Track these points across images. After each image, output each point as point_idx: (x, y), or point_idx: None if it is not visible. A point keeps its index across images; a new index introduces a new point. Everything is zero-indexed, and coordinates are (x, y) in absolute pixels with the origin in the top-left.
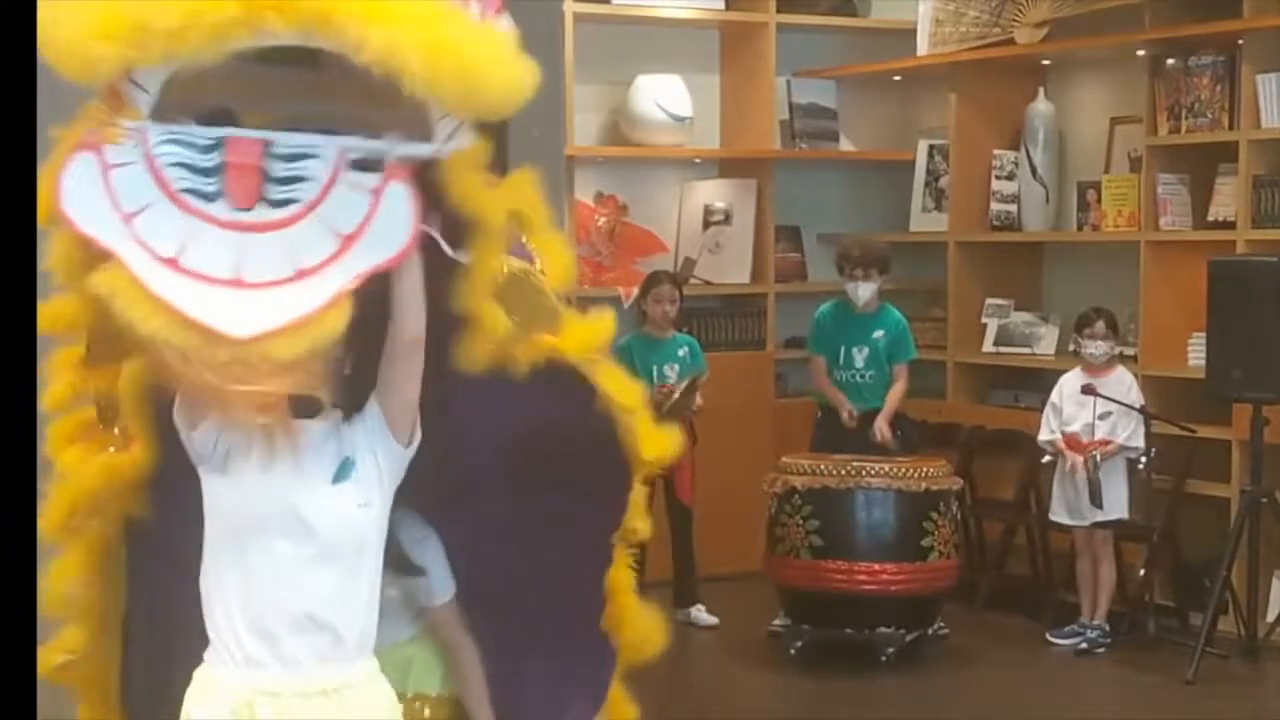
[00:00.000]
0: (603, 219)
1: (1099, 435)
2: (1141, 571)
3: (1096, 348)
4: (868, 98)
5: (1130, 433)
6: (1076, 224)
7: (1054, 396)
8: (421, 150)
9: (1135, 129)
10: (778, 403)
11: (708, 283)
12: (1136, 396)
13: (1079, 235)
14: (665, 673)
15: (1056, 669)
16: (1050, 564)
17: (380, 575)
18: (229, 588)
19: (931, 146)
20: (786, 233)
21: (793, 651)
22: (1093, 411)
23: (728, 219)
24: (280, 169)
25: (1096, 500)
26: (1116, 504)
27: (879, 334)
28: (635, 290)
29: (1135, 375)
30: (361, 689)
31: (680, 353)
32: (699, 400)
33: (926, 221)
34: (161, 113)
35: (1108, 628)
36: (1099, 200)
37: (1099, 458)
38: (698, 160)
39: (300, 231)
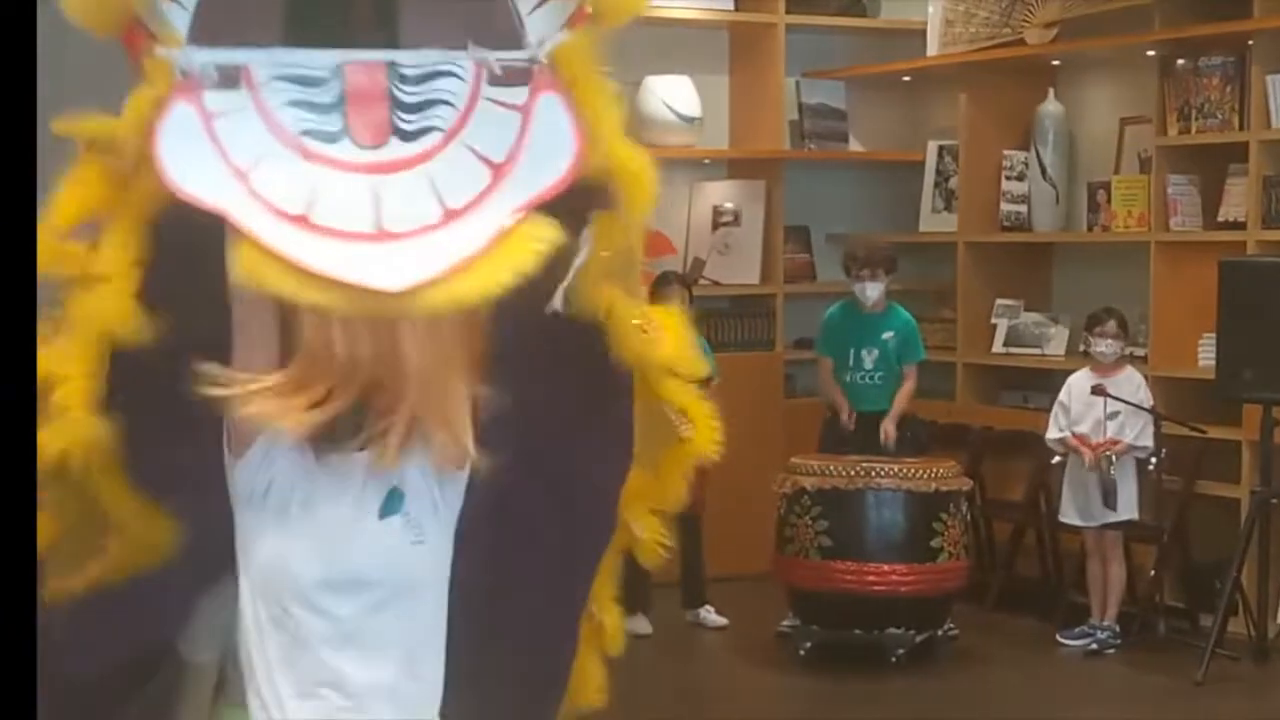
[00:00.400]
0: None
1: (1108, 435)
2: (1151, 572)
3: (1107, 346)
4: (877, 98)
5: (1139, 432)
6: (1086, 225)
7: (1062, 395)
8: (570, 42)
9: (1145, 129)
10: (787, 403)
11: (716, 283)
12: (1146, 396)
13: (1089, 236)
14: (673, 674)
15: (1066, 670)
16: (1060, 565)
17: (444, 620)
18: (270, 644)
19: (941, 147)
20: (795, 233)
21: (802, 652)
22: (1102, 411)
23: (737, 220)
24: (410, 94)
25: (1111, 502)
26: (1126, 505)
27: (888, 335)
28: (644, 291)
29: (1145, 376)
30: None
31: None
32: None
33: (936, 222)
34: (202, 34)
35: (1118, 629)
36: (1109, 201)
37: (1113, 458)
38: (707, 161)
39: (443, 165)
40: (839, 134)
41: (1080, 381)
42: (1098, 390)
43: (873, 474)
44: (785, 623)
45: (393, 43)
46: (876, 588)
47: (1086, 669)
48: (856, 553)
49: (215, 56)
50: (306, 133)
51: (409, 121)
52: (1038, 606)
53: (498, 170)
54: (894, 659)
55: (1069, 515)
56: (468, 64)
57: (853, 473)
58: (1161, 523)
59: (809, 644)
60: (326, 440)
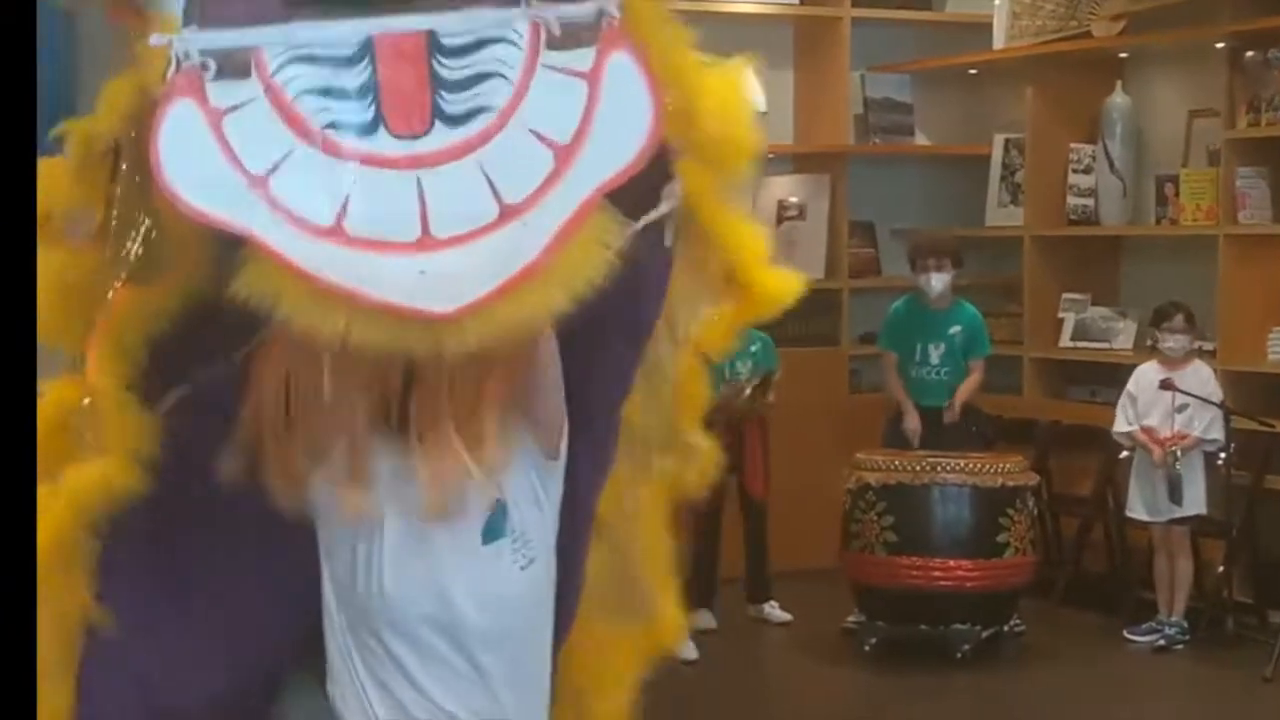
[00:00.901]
0: None
1: (1176, 429)
2: (1220, 568)
3: (1175, 341)
4: (943, 92)
5: (1207, 426)
6: (1154, 218)
7: (1130, 386)
8: None
9: (1213, 122)
10: (851, 399)
11: None
12: (1214, 390)
13: (1157, 229)
14: (738, 669)
15: (1133, 666)
16: (1127, 560)
17: (549, 640)
18: (372, 696)
19: (1007, 140)
20: (860, 228)
21: (867, 648)
22: (1170, 404)
23: (801, 214)
24: (455, 68)
25: (1176, 497)
26: (1195, 500)
27: (955, 329)
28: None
29: (1214, 370)
30: None
31: (753, 348)
32: (771, 397)
33: (1002, 216)
34: (203, 12)
35: (1185, 625)
36: (1177, 194)
37: (1179, 453)
38: (771, 156)
39: (498, 152)
40: (904, 128)
41: (1148, 374)
42: (1166, 384)
43: (938, 469)
44: (850, 618)
45: (430, 4)
46: (942, 583)
47: (1154, 665)
48: (922, 548)
49: (218, 40)
50: (333, 125)
51: (455, 102)
52: (1105, 602)
53: (563, 153)
54: (959, 655)
55: (1136, 510)
56: (523, 25)
57: (918, 468)
58: (1230, 518)
59: (874, 640)
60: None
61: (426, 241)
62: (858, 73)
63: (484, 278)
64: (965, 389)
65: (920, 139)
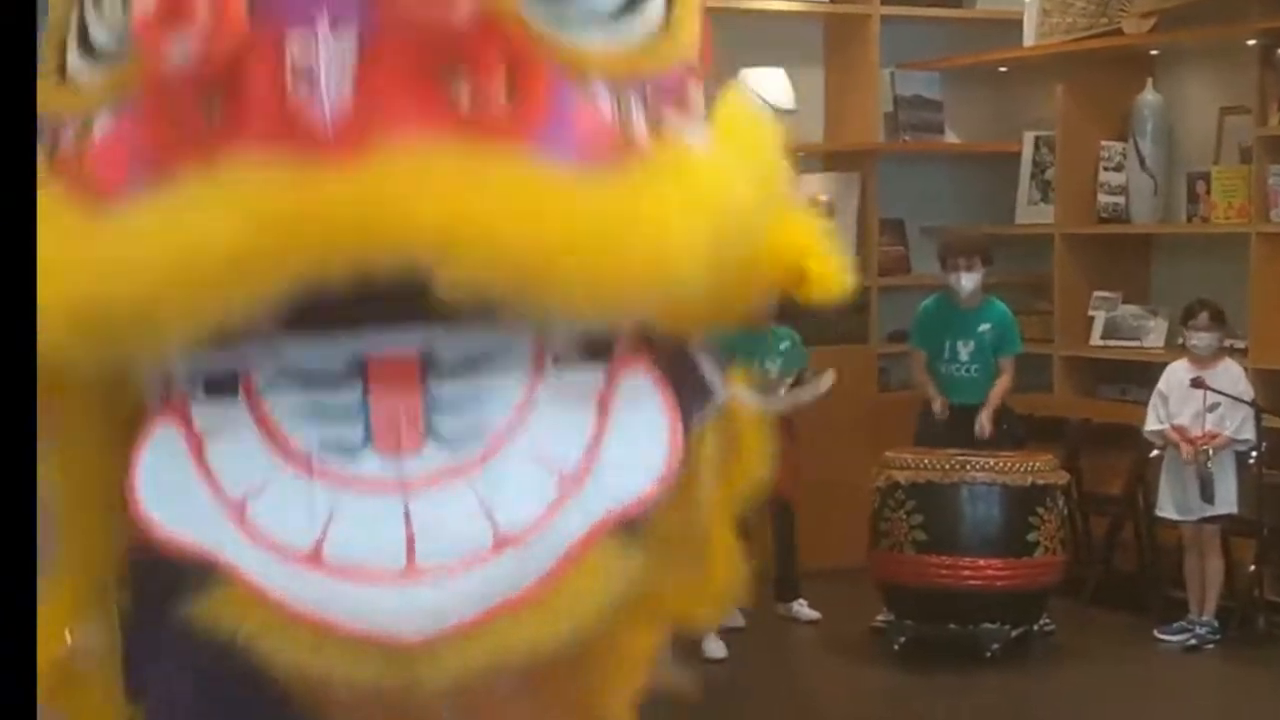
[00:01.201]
0: None
1: (1208, 427)
2: (1251, 567)
3: (1201, 339)
4: (973, 89)
5: (1239, 425)
6: (1185, 216)
7: (1161, 385)
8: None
9: (1245, 119)
10: (881, 397)
11: None
12: (1246, 389)
13: (1188, 227)
14: (766, 668)
15: (1164, 666)
16: (1158, 559)
17: None
18: None
19: (1038, 138)
20: (890, 226)
21: (896, 647)
22: (1201, 403)
23: (831, 212)
24: (450, 388)
25: (1208, 495)
26: (1225, 499)
27: (985, 327)
28: None
29: (1245, 368)
30: None
31: (782, 346)
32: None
33: (1032, 214)
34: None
35: (1216, 624)
36: (1208, 192)
37: (1210, 452)
38: (801, 154)
39: (495, 476)
40: (934, 125)
41: (1178, 372)
42: (1197, 383)
43: (968, 467)
44: (879, 617)
45: (430, 318)
46: (971, 582)
47: (1184, 664)
48: (951, 547)
49: (206, 362)
50: (322, 445)
51: (450, 423)
52: (1135, 601)
53: (568, 480)
54: (989, 654)
55: (1167, 509)
56: (527, 343)
57: (947, 466)
58: (1261, 517)
59: (903, 639)
60: None
61: (411, 571)
62: (888, 70)
63: (471, 606)
64: (996, 393)
65: (950, 137)
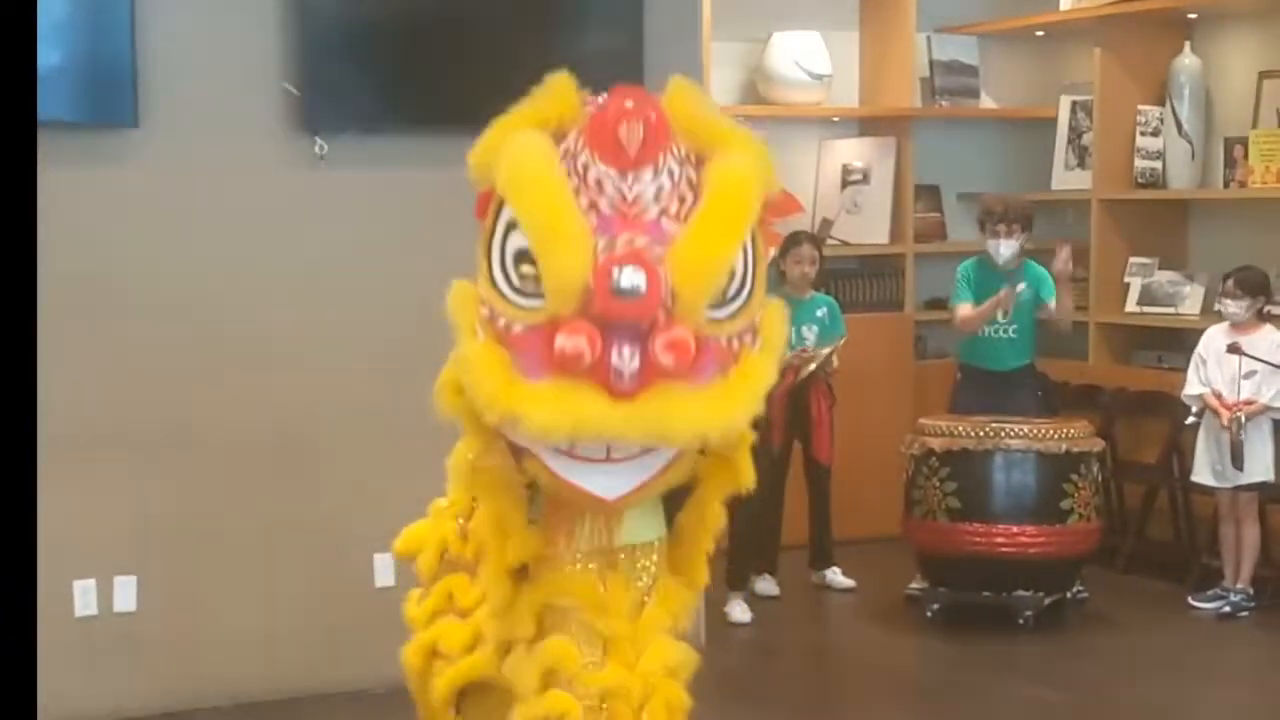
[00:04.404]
0: None
1: (1244, 395)
2: None
3: (1229, 307)
4: (1009, 53)
5: (1276, 392)
6: (1223, 181)
7: (1200, 348)
8: None
9: None
10: (917, 364)
11: (845, 243)
12: None
13: (1225, 192)
14: (801, 635)
15: (1198, 633)
16: (1193, 527)
17: None
18: None
19: (1075, 103)
20: (926, 192)
21: (929, 615)
22: (1238, 369)
23: (866, 178)
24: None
25: (1238, 462)
26: (1261, 466)
27: (1021, 287)
28: (773, 251)
29: None
30: None
31: (819, 313)
32: (835, 362)
33: (1069, 179)
34: None
35: (1251, 592)
36: (1246, 156)
37: (1244, 419)
38: (836, 119)
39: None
40: (971, 90)
41: (1216, 338)
42: (1233, 349)
43: (1002, 435)
44: (913, 585)
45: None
46: (1005, 550)
47: (1219, 632)
48: (985, 514)
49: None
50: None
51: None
52: (1169, 569)
53: None
54: (1022, 621)
55: (1203, 475)
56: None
57: (982, 434)
58: None
59: (937, 606)
60: None
61: (608, 463)
62: (924, 35)
63: (631, 483)
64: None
65: (986, 101)
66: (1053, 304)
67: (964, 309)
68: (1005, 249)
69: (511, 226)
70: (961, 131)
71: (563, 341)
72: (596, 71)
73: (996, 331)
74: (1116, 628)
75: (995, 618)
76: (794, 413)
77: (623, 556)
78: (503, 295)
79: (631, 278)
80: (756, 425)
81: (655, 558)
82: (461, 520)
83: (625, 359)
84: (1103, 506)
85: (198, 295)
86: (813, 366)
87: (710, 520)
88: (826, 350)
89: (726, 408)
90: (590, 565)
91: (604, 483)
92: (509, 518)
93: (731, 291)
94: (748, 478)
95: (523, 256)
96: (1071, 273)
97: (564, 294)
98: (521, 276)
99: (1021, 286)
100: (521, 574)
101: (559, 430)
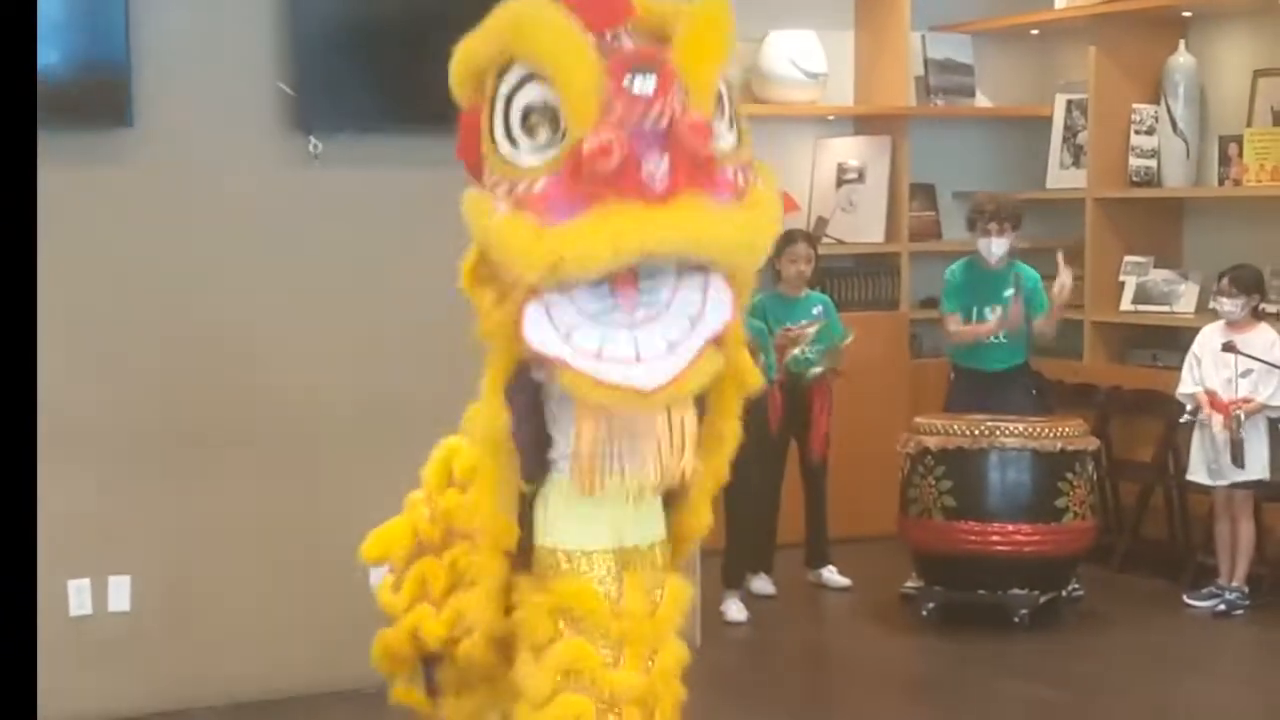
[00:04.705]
0: None
1: (1240, 393)
2: None
3: (1223, 305)
4: (1004, 52)
5: (1272, 391)
6: (1218, 179)
7: (1195, 347)
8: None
9: (1277, 81)
10: (912, 363)
11: (841, 241)
12: (1279, 354)
13: (1220, 191)
14: (796, 634)
15: (1193, 631)
16: (1188, 525)
17: None
18: None
19: (1070, 101)
20: (921, 190)
21: (925, 613)
22: (1234, 368)
23: (861, 177)
24: (646, 287)
25: (1239, 460)
26: (1257, 464)
27: (1011, 292)
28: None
29: (1279, 333)
30: None
31: (814, 312)
32: (843, 362)
33: (1064, 178)
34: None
35: (1246, 590)
36: (1240, 155)
37: (1242, 416)
38: (831, 117)
39: (666, 321)
40: (966, 89)
41: (1212, 336)
42: (1228, 347)
43: (997, 433)
44: (909, 583)
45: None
46: (1000, 548)
47: (1214, 630)
48: (980, 513)
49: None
50: (596, 312)
51: (647, 301)
52: (1165, 567)
53: (694, 320)
54: (1018, 620)
55: (1198, 474)
56: (671, 273)
57: (977, 432)
58: None
59: (932, 605)
60: None
61: (638, 359)
62: (919, 33)
63: (664, 375)
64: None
65: (981, 100)
66: (1040, 320)
67: (953, 322)
68: (996, 247)
69: (516, 89)
70: (956, 130)
71: (590, 142)
72: None
73: (984, 337)
74: (1112, 626)
75: (991, 616)
76: (792, 412)
77: (638, 555)
78: (517, 165)
79: (645, 75)
80: (750, 420)
81: (661, 560)
82: (429, 508)
83: (655, 164)
84: (1098, 505)
85: (192, 294)
86: (817, 369)
87: (728, 437)
88: (812, 329)
89: (750, 221)
90: (609, 564)
91: (640, 374)
92: (500, 489)
93: (726, 115)
94: (754, 378)
95: (531, 110)
96: (1068, 300)
97: (584, 109)
98: (531, 129)
99: (1010, 294)
100: (514, 560)
101: (600, 255)
